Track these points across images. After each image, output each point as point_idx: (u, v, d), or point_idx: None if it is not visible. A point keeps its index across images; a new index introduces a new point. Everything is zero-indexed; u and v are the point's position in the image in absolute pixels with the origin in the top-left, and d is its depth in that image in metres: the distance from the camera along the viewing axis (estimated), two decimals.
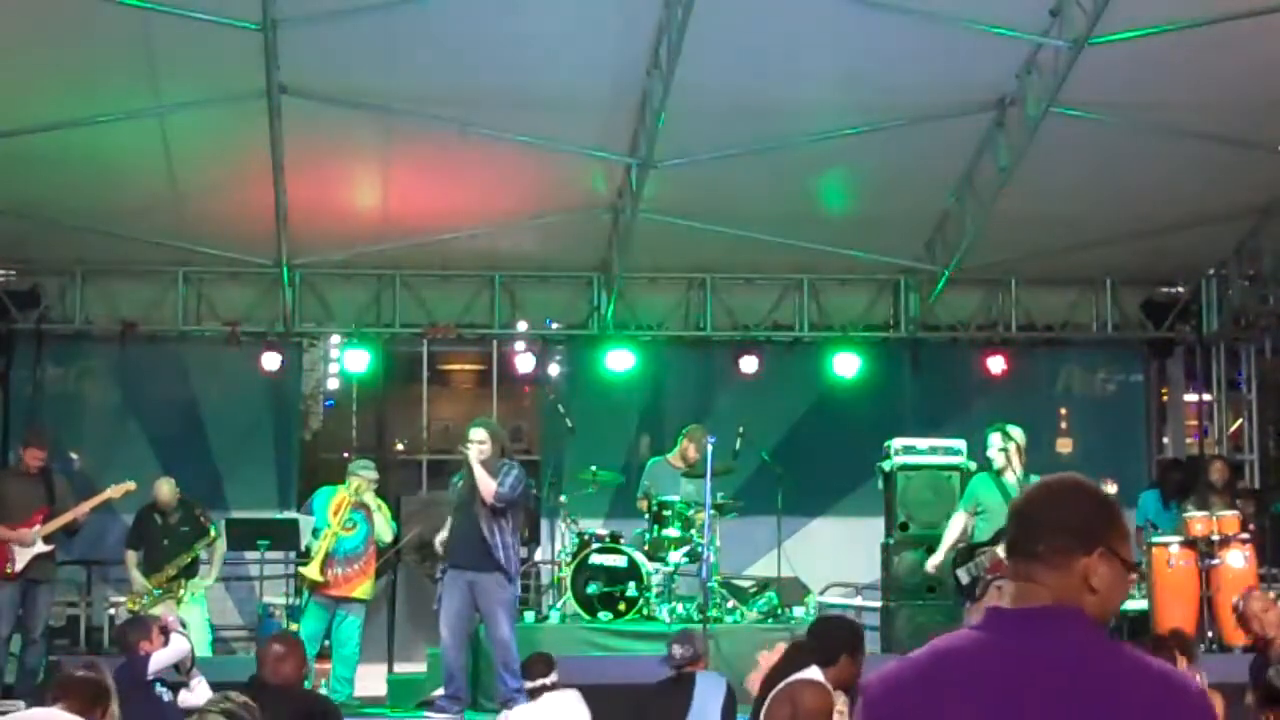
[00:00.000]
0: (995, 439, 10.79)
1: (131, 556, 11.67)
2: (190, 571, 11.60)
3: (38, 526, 11.00)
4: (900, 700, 2.48)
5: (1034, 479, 10.63)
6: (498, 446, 10.26)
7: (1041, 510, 2.57)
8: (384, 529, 11.44)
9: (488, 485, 10.05)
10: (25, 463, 11.34)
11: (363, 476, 11.48)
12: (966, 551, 10.79)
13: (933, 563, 11.17)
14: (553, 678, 8.16)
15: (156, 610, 10.79)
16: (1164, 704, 2.40)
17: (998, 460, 10.76)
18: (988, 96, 11.13)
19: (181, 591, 11.45)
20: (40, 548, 10.99)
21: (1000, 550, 10.53)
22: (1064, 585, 2.50)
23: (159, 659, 7.99)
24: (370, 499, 11.46)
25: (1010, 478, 10.71)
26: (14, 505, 11.07)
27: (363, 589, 11.35)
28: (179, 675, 8.19)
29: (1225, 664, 9.19)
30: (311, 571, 11.15)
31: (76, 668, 7.05)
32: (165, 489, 11.72)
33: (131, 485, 11.50)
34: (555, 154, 11.46)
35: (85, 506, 11.27)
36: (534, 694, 8.21)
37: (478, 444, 10.16)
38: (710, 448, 10.88)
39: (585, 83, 10.80)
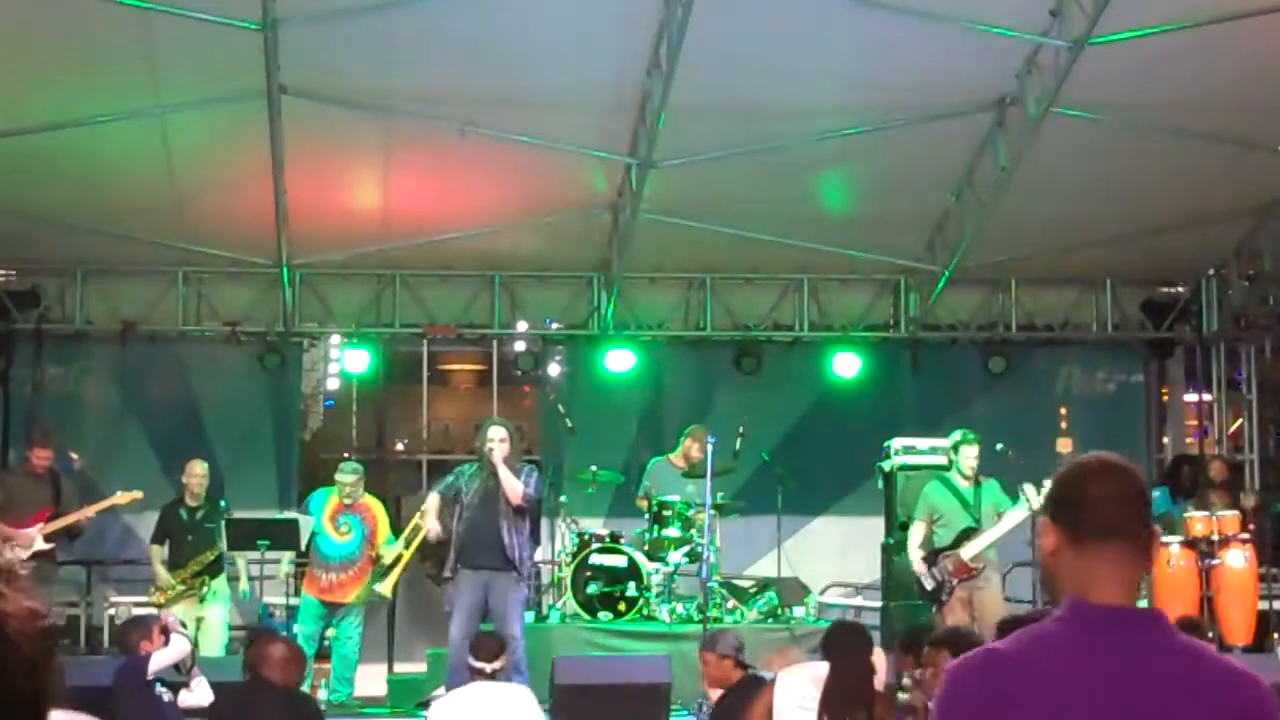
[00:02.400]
0: (972, 450, 10.83)
1: (156, 551, 11.59)
2: (213, 569, 11.52)
3: (40, 525, 11.01)
4: (987, 683, 2.48)
5: (990, 484, 10.75)
6: (515, 445, 10.27)
7: (1118, 494, 2.57)
8: (383, 547, 11.37)
9: (514, 487, 10.02)
10: (32, 463, 11.35)
11: (339, 481, 11.46)
12: (930, 556, 10.81)
13: (919, 568, 10.91)
14: (498, 664, 7.88)
15: (179, 606, 10.81)
16: (1248, 704, 2.47)
17: (969, 468, 10.81)
18: (988, 96, 11.13)
19: (204, 589, 11.40)
20: (39, 546, 11.00)
21: (964, 553, 10.58)
22: (1135, 562, 2.55)
23: (159, 659, 7.98)
24: (372, 503, 11.46)
25: (965, 484, 10.76)
26: (19, 504, 11.09)
27: (357, 594, 11.31)
28: (179, 675, 8.19)
29: None
30: (386, 588, 10.97)
31: None
32: (199, 467, 11.66)
33: (139, 494, 11.51)
34: (555, 154, 11.45)
35: (90, 511, 11.29)
36: (475, 674, 7.86)
37: (500, 442, 10.12)
38: (710, 448, 10.89)
39: (585, 83, 10.80)
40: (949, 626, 9.10)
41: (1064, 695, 2.44)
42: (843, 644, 6.89)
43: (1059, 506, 2.61)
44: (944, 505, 10.84)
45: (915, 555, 10.88)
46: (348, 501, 11.33)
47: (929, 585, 10.77)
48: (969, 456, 10.83)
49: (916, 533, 10.91)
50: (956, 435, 11.03)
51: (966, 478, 10.83)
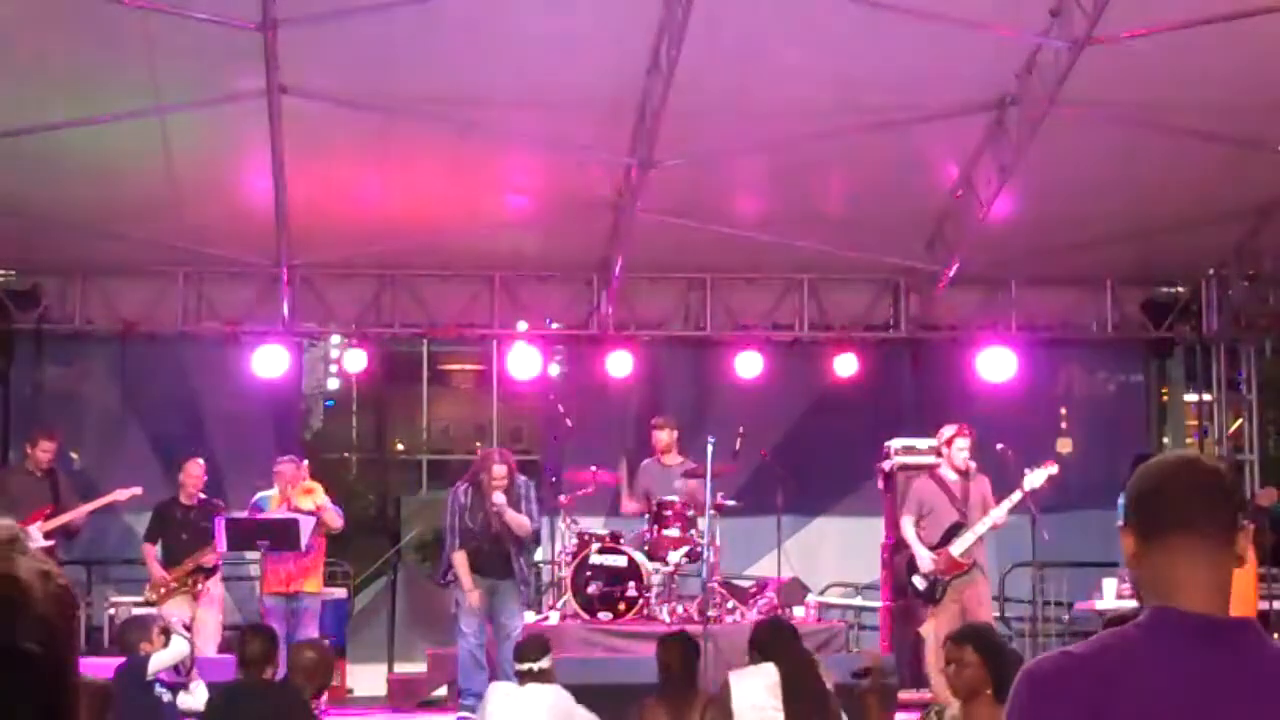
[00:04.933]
0: (964, 444, 10.78)
1: (150, 550, 11.62)
2: (209, 570, 11.51)
3: (40, 523, 11.02)
4: (1062, 689, 2.36)
5: (980, 479, 10.59)
6: (513, 472, 10.42)
7: (1197, 486, 2.44)
8: (332, 517, 11.40)
9: (521, 523, 10.37)
10: (35, 458, 11.36)
11: (277, 473, 11.53)
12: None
13: (922, 562, 10.73)
14: (544, 663, 7.91)
15: (172, 605, 10.81)
16: None
17: (961, 460, 10.76)
18: (988, 96, 11.13)
19: (199, 587, 11.39)
20: (39, 544, 11.00)
21: (953, 550, 10.51)
22: (1218, 560, 2.41)
23: (159, 659, 7.97)
24: (313, 486, 11.49)
25: (955, 479, 10.73)
26: (18, 502, 11.09)
27: (311, 583, 11.35)
28: (178, 676, 8.18)
29: None
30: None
31: None
32: (196, 468, 11.68)
33: (138, 490, 11.52)
34: (555, 154, 11.45)
35: (88, 508, 11.29)
36: (521, 677, 7.88)
37: (501, 480, 10.26)
38: (710, 448, 10.89)
39: (585, 83, 10.80)
40: (969, 622, 8.93)
41: (1140, 710, 2.31)
42: (778, 642, 6.89)
43: (1132, 506, 2.47)
44: (931, 500, 10.78)
45: (918, 546, 10.70)
46: (290, 492, 11.41)
47: (921, 586, 10.69)
48: (960, 449, 10.78)
49: (908, 529, 10.85)
50: (948, 430, 10.95)
51: (958, 472, 10.80)
